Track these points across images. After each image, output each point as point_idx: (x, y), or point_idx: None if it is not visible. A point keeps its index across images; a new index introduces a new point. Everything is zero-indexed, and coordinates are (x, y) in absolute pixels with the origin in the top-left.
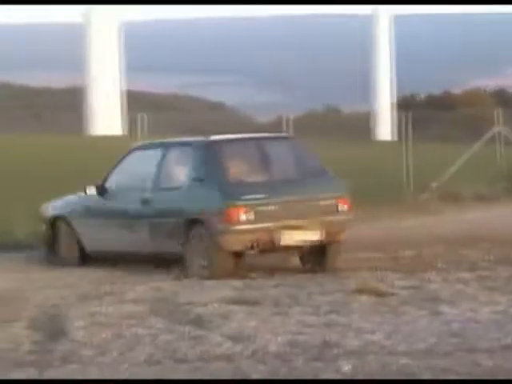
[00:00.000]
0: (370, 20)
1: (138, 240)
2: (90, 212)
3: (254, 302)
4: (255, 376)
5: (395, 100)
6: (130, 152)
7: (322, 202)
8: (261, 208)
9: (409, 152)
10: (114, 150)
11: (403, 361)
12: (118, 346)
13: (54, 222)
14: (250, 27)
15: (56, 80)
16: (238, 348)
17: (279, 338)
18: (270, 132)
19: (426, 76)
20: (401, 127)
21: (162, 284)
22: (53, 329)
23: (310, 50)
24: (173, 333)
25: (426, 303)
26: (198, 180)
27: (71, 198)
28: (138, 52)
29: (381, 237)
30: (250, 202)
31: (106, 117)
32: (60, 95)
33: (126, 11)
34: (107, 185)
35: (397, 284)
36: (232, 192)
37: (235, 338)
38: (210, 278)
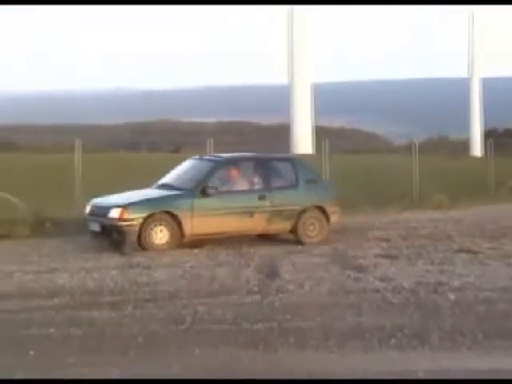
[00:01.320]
0: (465, 81)
1: (256, 224)
2: (200, 206)
3: (393, 257)
4: (395, 301)
5: (483, 130)
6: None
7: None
8: None
9: (491, 163)
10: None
11: (487, 293)
12: (310, 282)
13: (147, 216)
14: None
15: (269, 119)
16: (383, 285)
17: (410, 279)
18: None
19: (505, 115)
20: (486, 148)
21: (337, 244)
22: (271, 272)
23: (426, 94)
24: (343, 275)
25: (503, 258)
26: (312, 181)
27: (145, 196)
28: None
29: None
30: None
31: (303, 142)
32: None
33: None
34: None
35: (483, 246)
36: (334, 190)
37: (382, 279)
38: (319, 241)
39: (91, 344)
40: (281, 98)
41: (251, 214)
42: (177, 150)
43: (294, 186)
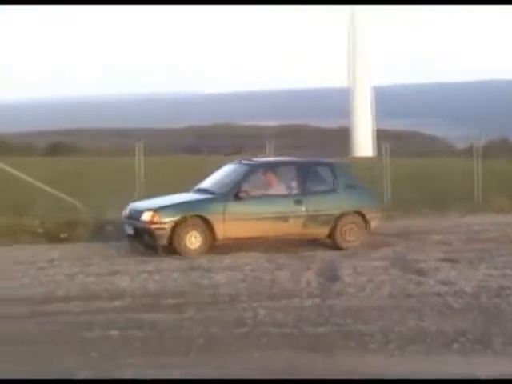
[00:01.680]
0: None
1: (291, 229)
2: (233, 210)
3: (455, 260)
4: (456, 305)
5: None
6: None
7: None
8: None
9: None
10: (366, 167)
11: None
12: (370, 286)
13: (179, 220)
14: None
15: (329, 123)
16: (445, 289)
17: (471, 283)
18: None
19: None
20: None
21: (397, 248)
22: (331, 275)
23: (487, 96)
24: (404, 278)
25: None
26: (351, 187)
27: (178, 200)
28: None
29: None
30: None
31: (363, 145)
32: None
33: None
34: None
35: None
36: (374, 196)
37: (443, 283)
38: (352, 246)
39: (152, 346)
40: (341, 100)
41: (286, 218)
42: (237, 152)
43: (333, 190)
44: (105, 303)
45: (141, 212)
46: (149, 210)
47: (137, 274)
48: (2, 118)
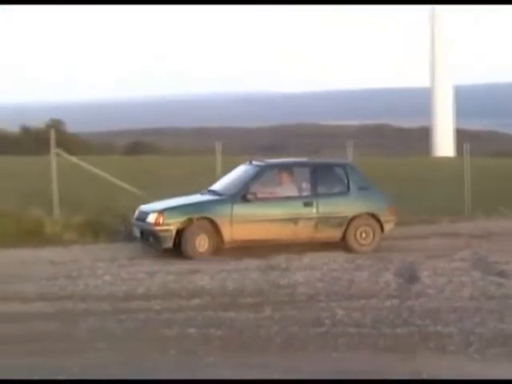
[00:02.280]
0: None
1: (301, 231)
2: (240, 212)
3: None
4: None
5: None
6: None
7: None
8: None
9: None
10: (447, 167)
11: None
12: (450, 287)
13: (184, 221)
14: None
15: (409, 122)
16: None
17: None
18: None
19: None
20: None
21: (478, 249)
22: (410, 276)
23: None
24: (485, 280)
25: None
26: (365, 189)
27: (184, 201)
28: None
29: None
30: None
31: (444, 145)
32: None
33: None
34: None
35: None
36: (389, 199)
37: None
38: (366, 251)
39: (230, 344)
40: (422, 100)
41: (296, 221)
42: (316, 152)
43: (345, 192)
44: (184, 301)
45: (147, 213)
46: (154, 211)
47: (216, 273)
48: (84, 117)
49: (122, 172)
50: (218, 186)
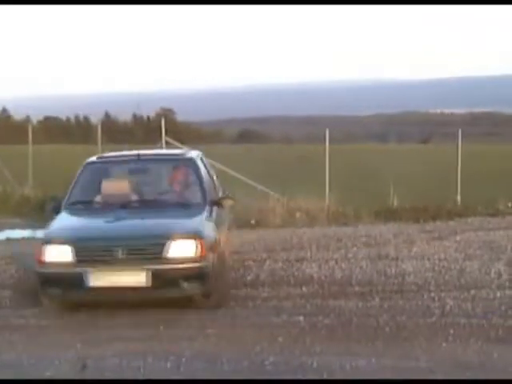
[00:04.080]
0: None
1: None
2: None
3: None
4: None
5: None
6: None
7: None
8: None
9: None
10: None
11: None
12: None
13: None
14: None
15: None
16: None
17: None
18: None
19: None
20: None
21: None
22: None
23: None
24: None
25: None
26: None
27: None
28: None
29: None
30: None
31: None
32: None
33: None
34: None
35: None
36: None
37: None
38: None
39: (338, 333)
40: None
41: None
42: (426, 140)
43: None
44: (292, 289)
45: None
46: None
47: (324, 262)
48: (195, 106)
49: (232, 160)
50: None
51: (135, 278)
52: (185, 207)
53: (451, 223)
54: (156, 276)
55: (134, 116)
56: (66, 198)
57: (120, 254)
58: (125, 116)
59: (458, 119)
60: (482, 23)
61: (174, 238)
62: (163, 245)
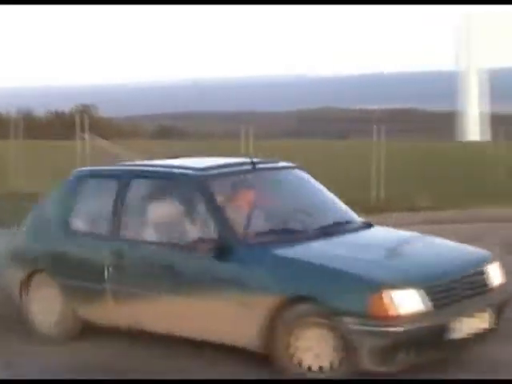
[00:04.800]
0: None
1: None
2: None
3: None
4: None
5: None
6: None
7: None
8: None
9: None
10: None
11: None
12: None
13: None
14: None
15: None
16: None
17: None
18: None
19: None
20: None
21: None
22: None
23: None
24: None
25: None
26: None
27: None
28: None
29: None
30: None
31: (472, 129)
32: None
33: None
34: None
35: None
36: None
37: None
38: None
39: None
40: (449, 84)
41: None
42: (344, 136)
43: None
44: None
45: None
46: None
47: None
48: (117, 101)
49: (150, 156)
50: None
51: (481, 320)
52: (352, 225)
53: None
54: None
55: (51, 112)
56: (242, 228)
57: (463, 293)
58: (41, 110)
59: (375, 116)
60: (403, 22)
61: (489, 262)
62: (484, 273)
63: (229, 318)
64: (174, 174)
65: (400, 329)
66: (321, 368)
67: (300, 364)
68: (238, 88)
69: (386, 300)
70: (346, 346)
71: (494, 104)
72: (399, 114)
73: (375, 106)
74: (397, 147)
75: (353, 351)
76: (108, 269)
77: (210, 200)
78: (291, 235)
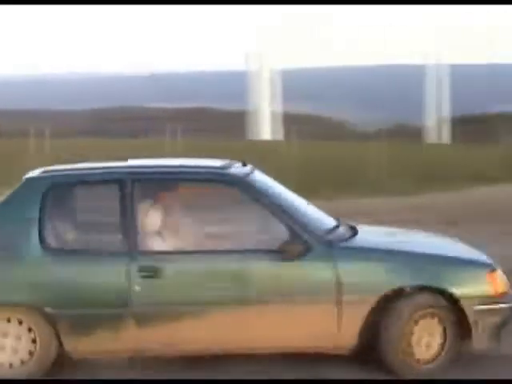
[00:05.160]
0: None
1: None
2: None
3: None
4: None
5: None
6: None
7: None
8: None
9: None
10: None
11: None
12: None
13: None
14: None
15: (230, 105)
16: None
17: None
18: None
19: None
20: None
21: None
22: None
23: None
24: None
25: None
26: None
27: None
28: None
29: None
30: None
31: (263, 128)
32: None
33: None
34: None
35: None
36: None
37: None
38: None
39: None
40: (242, 83)
41: None
42: (136, 135)
43: None
44: None
45: None
46: None
47: None
48: None
49: None
50: None
51: None
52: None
53: None
54: None
55: None
56: (303, 229)
57: None
58: None
59: (167, 115)
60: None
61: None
62: None
63: (320, 320)
64: (213, 174)
65: (510, 305)
66: (428, 360)
67: (413, 357)
68: (29, 86)
69: (498, 279)
70: (457, 331)
71: (286, 104)
72: (193, 113)
73: (168, 105)
74: (192, 146)
75: (467, 334)
76: (132, 289)
77: (270, 199)
78: (348, 231)
